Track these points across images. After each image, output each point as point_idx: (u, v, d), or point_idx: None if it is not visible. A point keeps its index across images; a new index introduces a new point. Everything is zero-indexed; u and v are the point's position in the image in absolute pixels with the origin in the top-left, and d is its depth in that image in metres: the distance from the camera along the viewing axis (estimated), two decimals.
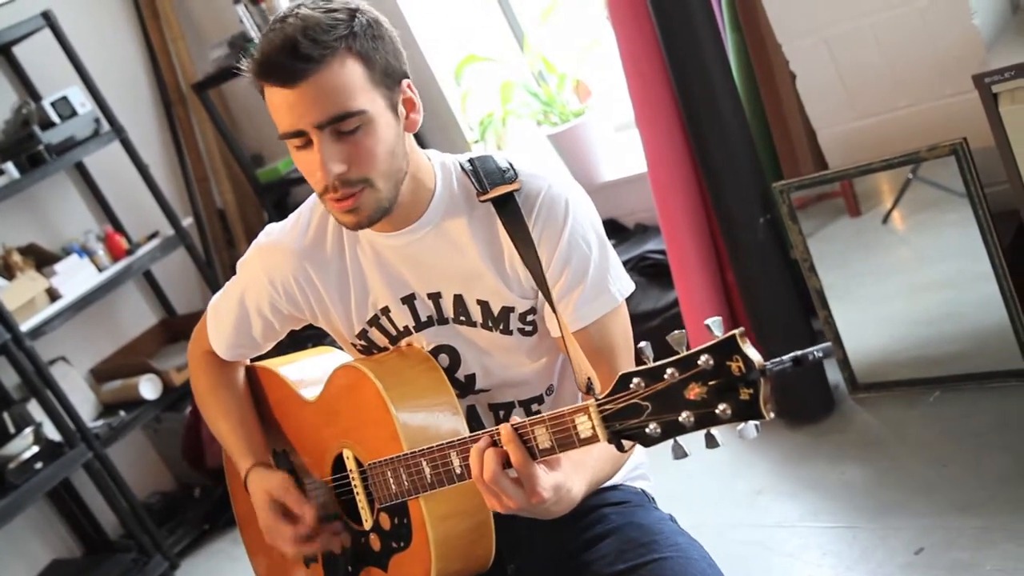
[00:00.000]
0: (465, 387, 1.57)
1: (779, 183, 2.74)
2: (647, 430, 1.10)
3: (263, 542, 1.78)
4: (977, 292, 2.59)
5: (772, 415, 1.02)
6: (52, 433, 3.46)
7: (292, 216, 1.61)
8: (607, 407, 1.13)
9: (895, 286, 2.85)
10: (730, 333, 1.02)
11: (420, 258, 1.51)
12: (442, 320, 1.54)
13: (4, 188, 3.48)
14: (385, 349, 1.59)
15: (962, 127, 2.49)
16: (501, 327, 1.52)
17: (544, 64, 3.77)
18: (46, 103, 3.67)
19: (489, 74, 3.85)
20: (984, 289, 2.56)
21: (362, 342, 1.59)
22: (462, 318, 1.53)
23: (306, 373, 1.73)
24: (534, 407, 1.59)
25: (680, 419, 1.06)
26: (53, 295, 3.62)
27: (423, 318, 1.54)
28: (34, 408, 3.50)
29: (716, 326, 1.04)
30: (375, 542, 1.56)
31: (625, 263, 3.41)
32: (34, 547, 3.69)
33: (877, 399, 2.80)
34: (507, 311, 1.51)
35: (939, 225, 2.74)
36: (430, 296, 1.52)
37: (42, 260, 3.72)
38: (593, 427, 1.16)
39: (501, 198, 1.46)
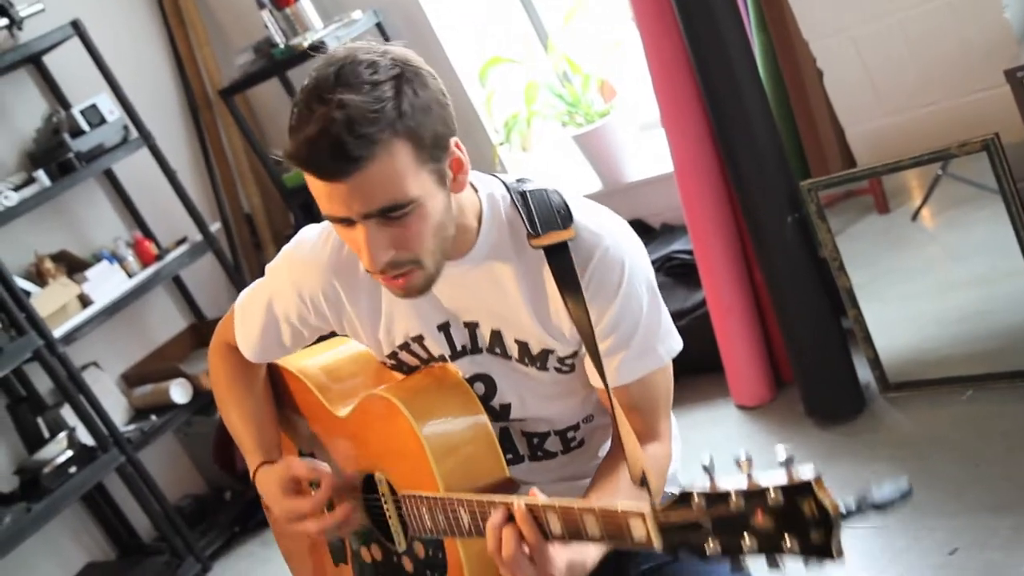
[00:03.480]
0: (499, 415, 1.53)
1: (807, 181, 2.73)
2: (706, 547, 1.04)
3: (297, 549, 1.78)
4: (1009, 289, 2.57)
5: (842, 558, 0.95)
6: (85, 438, 3.49)
7: (326, 227, 1.53)
8: (666, 520, 1.08)
9: (925, 284, 2.83)
10: (806, 480, 0.95)
11: (460, 290, 1.45)
12: (476, 349, 1.49)
13: (36, 196, 3.52)
14: (416, 367, 1.55)
15: (992, 122, 2.46)
16: (538, 365, 1.48)
17: (569, 64, 3.76)
18: (76, 111, 3.70)
19: (514, 75, 3.85)
20: (1016, 286, 2.54)
21: (392, 361, 1.56)
22: (497, 351, 1.48)
23: (332, 375, 1.69)
24: (569, 435, 1.56)
25: (743, 543, 1.00)
26: (84, 301, 3.65)
27: (458, 347, 1.49)
28: (67, 413, 3.53)
29: (789, 460, 0.97)
30: (407, 564, 1.54)
31: (652, 263, 3.41)
32: (69, 550, 3.72)
33: (908, 398, 2.77)
34: (546, 353, 1.46)
35: (969, 222, 2.71)
36: (467, 325, 1.48)
37: (73, 266, 3.76)
38: (648, 534, 1.10)
39: (553, 247, 1.38)
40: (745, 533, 1.00)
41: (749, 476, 0.99)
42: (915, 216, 2.81)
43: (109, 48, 3.84)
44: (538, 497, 1.24)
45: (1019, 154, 2.42)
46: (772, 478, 0.97)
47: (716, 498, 1.02)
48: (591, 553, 1.30)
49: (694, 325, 3.16)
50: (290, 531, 1.63)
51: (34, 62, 3.86)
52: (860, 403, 2.82)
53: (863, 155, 2.85)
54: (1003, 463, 2.37)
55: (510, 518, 1.25)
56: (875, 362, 2.81)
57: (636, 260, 1.42)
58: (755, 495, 0.98)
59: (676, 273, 3.36)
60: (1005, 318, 2.63)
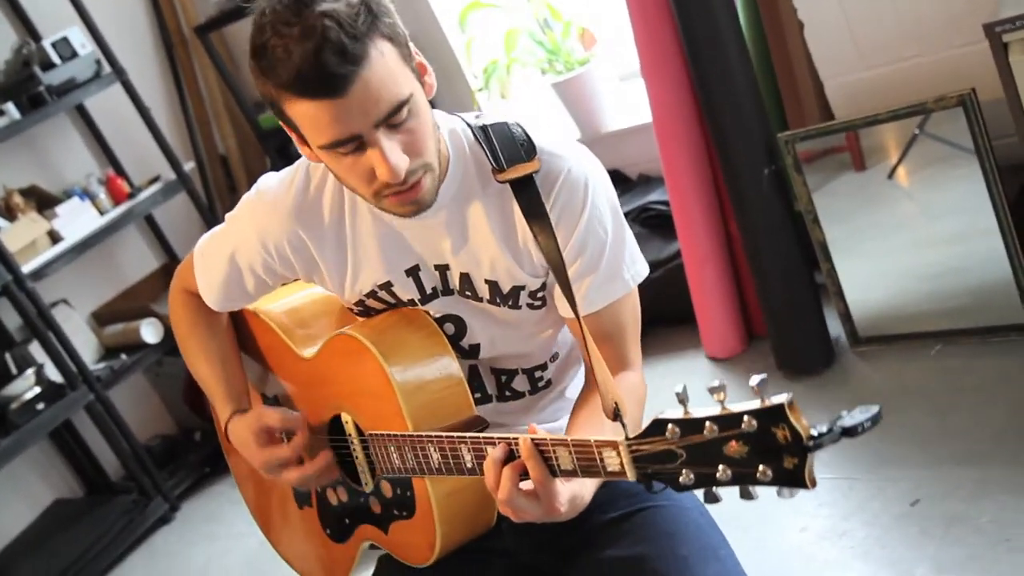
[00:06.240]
0: (468, 354, 1.52)
1: (784, 134, 2.72)
2: (680, 478, 1.04)
3: (251, 477, 1.77)
4: (981, 247, 2.58)
5: (815, 487, 0.96)
6: (54, 375, 3.48)
7: (287, 174, 1.50)
8: (639, 449, 1.08)
9: (899, 241, 2.84)
10: (778, 402, 0.95)
11: (428, 231, 1.43)
12: (447, 291, 1.48)
13: (5, 129, 3.47)
14: (384, 311, 1.53)
15: (971, 79, 2.46)
16: (510, 303, 1.47)
17: (549, 11, 3.72)
18: (47, 43, 3.63)
19: (494, 21, 3.81)
20: (988, 244, 2.55)
21: (358, 308, 1.54)
22: (468, 293, 1.47)
23: (297, 317, 1.66)
24: (537, 374, 1.56)
25: (716, 473, 1.01)
26: (55, 237, 3.61)
27: (428, 290, 1.48)
28: (36, 350, 3.51)
29: (763, 387, 0.97)
30: (375, 505, 1.54)
31: (627, 214, 3.40)
32: (37, 487, 3.73)
33: (878, 352, 2.80)
34: (517, 289, 1.46)
35: (945, 180, 2.72)
36: (436, 268, 1.46)
37: (43, 202, 3.71)
38: (622, 464, 1.10)
39: (519, 179, 1.37)
40: (719, 464, 1.00)
41: (722, 404, 0.99)
42: (891, 174, 2.81)
43: None
44: (537, 432, 1.22)
45: (996, 111, 2.42)
46: (745, 405, 0.98)
47: (690, 425, 1.02)
48: (588, 487, 1.29)
49: (668, 276, 3.16)
50: (266, 481, 1.62)
51: None
52: (830, 356, 2.84)
53: (841, 109, 2.85)
54: (969, 417, 2.40)
55: (510, 455, 1.23)
56: (846, 316, 2.82)
57: (599, 180, 1.42)
58: (729, 421, 0.98)
59: (652, 224, 3.36)
60: (976, 275, 2.65)
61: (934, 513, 2.18)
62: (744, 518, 2.40)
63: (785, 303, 2.83)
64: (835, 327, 2.87)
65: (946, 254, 2.75)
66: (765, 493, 1.01)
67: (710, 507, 1.48)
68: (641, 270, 1.46)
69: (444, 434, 1.33)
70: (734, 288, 3.04)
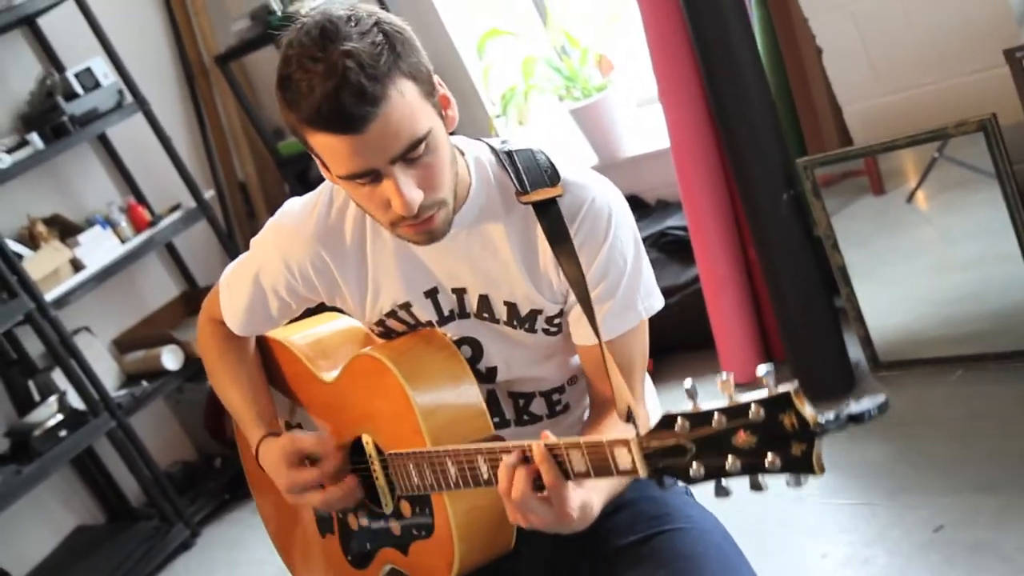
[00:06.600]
0: (486, 378, 1.54)
1: (803, 159, 2.73)
2: (690, 471, 1.07)
3: (274, 505, 1.78)
4: (1002, 272, 2.57)
5: (823, 472, 0.98)
6: (76, 402, 3.50)
7: (311, 198, 1.54)
8: (649, 445, 1.10)
9: (919, 265, 2.83)
10: (784, 391, 0.98)
11: (448, 255, 1.45)
12: (464, 314, 1.50)
13: (29, 159, 3.51)
14: (404, 332, 1.56)
15: (990, 104, 2.46)
16: (527, 327, 1.49)
17: (567, 38, 3.75)
18: (70, 74, 3.68)
19: (512, 48, 3.84)
20: (1009, 269, 2.54)
21: (379, 328, 1.56)
22: (485, 315, 1.49)
23: (320, 347, 1.69)
24: (555, 396, 1.57)
25: (726, 464, 1.03)
26: (77, 265, 3.65)
27: (445, 312, 1.50)
28: (58, 377, 3.53)
29: (769, 376, 1.00)
30: (395, 527, 1.55)
31: (645, 239, 3.41)
32: (59, 513, 3.74)
33: (899, 377, 2.78)
34: (535, 313, 1.48)
35: (964, 205, 2.71)
36: (454, 291, 1.49)
37: (66, 230, 3.75)
38: (633, 461, 1.13)
39: (542, 203, 1.40)
40: (728, 454, 1.03)
41: (730, 396, 1.02)
42: (910, 198, 2.81)
43: (104, 11, 3.82)
44: (549, 438, 1.24)
45: (1016, 136, 2.42)
46: (753, 395, 1.00)
47: (699, 418, 1.04)
48: (596, 496, 1.31)
49: (687, 301, 3.16)
50: (288, 509, 1.65)
51: (28, 23, 3.84)
52: (850, 381, 2.83)
53: (859, 134, 2.85)
54: (991, 443, 2.39)
55: (525, 460, 1.25)
56: (866, 341, 2.81)
57: (622, 211, 1.44)
58: (737, 412, 1.01)
59: (670, 249, 3.36)
60: (997, 300, 2.64)
61: (957, 540, 2.16)
62: (766, 543, 2.39)
63: (804, 328, 2.82)
64: (855, 352, 2.86)
65: (966, 279, 2.74)
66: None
67: (729, 526, 1.50)
68: (655, 303, 1.48)
69: (461, 447, 1.35)
70: (753, 313, 3.03)
